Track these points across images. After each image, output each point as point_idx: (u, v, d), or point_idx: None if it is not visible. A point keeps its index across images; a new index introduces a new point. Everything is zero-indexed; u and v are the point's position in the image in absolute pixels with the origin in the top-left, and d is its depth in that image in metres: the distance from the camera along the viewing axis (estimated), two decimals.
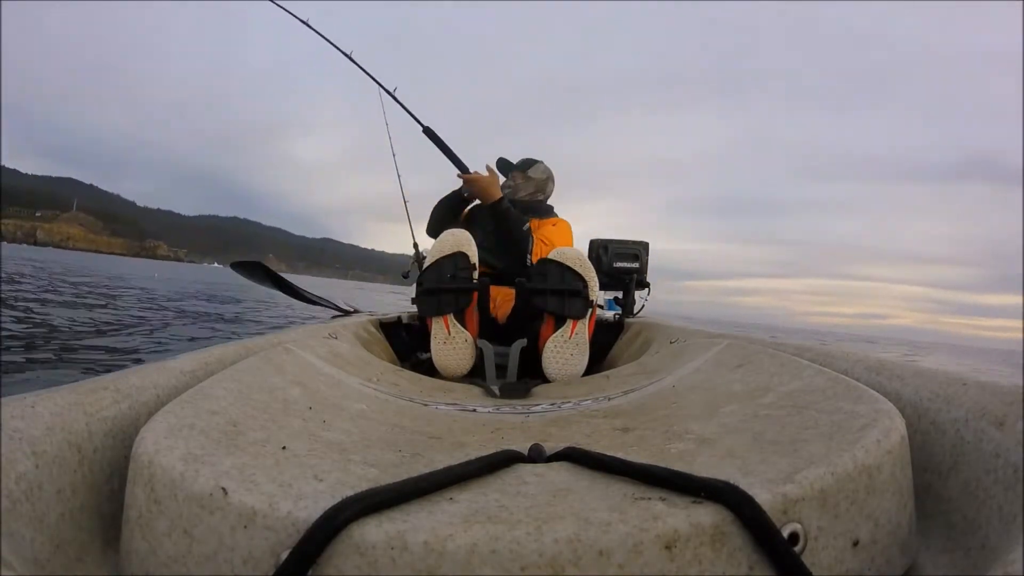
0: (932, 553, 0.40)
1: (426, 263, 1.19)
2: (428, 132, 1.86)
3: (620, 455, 0.38)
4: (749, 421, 0.47)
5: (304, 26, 1.96)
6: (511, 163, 1.90)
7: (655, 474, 0.34)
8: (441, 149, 1.81)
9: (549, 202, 1.93)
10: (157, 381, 0.55)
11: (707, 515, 0.30)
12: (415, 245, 2.28)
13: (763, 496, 0.31)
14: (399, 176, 2.50)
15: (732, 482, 0.32)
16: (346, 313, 1.94)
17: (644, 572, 0.28)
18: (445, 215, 1.77)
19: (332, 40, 1.96)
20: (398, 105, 1.92)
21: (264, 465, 0.37)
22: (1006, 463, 0.38)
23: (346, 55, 1.95)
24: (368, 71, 1.96)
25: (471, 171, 1.71)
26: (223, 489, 0.32)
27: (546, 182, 1.89)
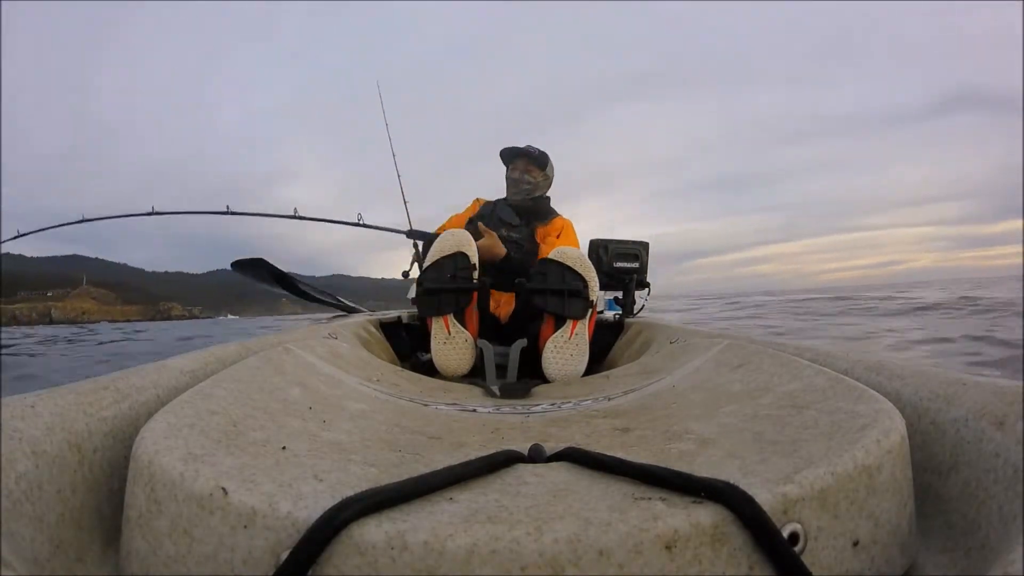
0: (932, 553, 0.40)
1: (426, 263, 1.19)
2: (412, 235, 1.81)
3: (620, 455, 0.38)
4: (749, 421, 0.47)
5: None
6: (520, 149, 1.74)
7: (655, 474, 0.34)
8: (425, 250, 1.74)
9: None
10: (157, 381, 0.55)
11: (707, 515, 0.30)
12: (415, 245, 2.29)
13: (763, 496, 0.31)
14: (399, 177, 2.52)
15: (732, 482, 0.32)
16: (349, 311, 1.93)
17: (644, 572, 0.28)
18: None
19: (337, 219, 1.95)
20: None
21: (264, 465, 0.37)
22: (1006, 463, 0.38)
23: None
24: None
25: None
26: (223, 489, 0.32)
27: (552, 181, 1.81)
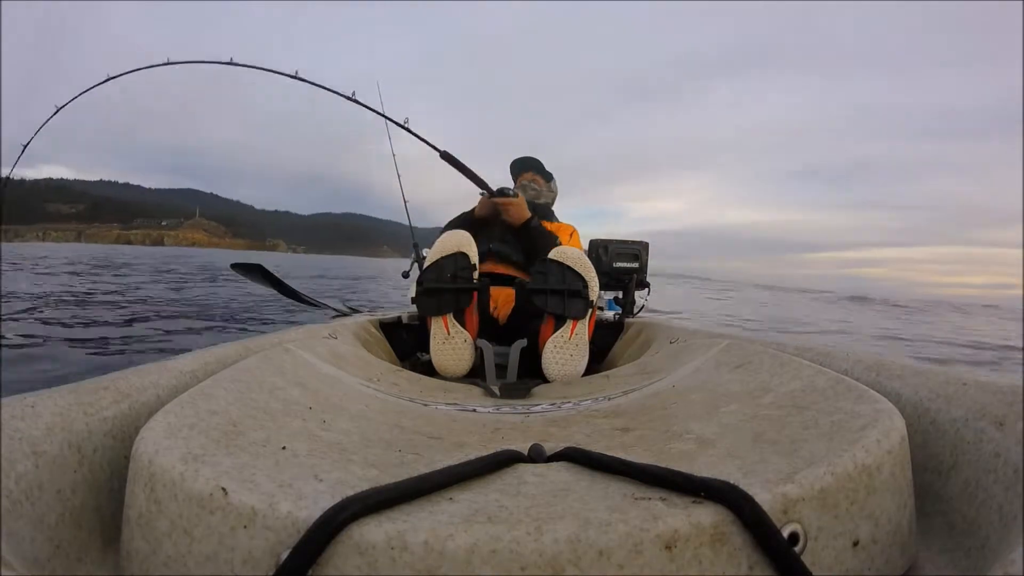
0: (932, 553, 0.40)
1: (426, 263, 1.19)
2: (446, 156, 1.84)
3: (620, 455, 0.38)
4: (749, 421, 0.47)
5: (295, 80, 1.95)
6: (530, 161, 1.92)
7: (655, 474, 0.34)
8: (462, 172, 1.79)
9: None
10: (157, 381, 0.55)
11: (707, 515, 0.30)
12: (415, 245, 2.29)
13: (763, 496, 0.31)
14: (399, 176, 2.52)
15: (732, 482, 0.32)
16: (345, 314, 1.93)
17: (644, 572, 0.28)
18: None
19: (328, 86, 1.92)
20: (411, 135, 1.90)
21: (264, 465, 0.37)
22: (1006, 463, 0.38)
23: (347, 97, 1.93)
24: (375, 106, 1.91)
25: (494, 190, 1.72)
26: (223, 489, 0.32)
27: (556, 196, 2.00)
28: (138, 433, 0.38)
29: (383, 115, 1.95)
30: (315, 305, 1.93)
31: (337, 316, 1.67)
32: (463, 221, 1.74)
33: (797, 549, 0.31)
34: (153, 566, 0.32)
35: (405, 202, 2.45)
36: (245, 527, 0.31)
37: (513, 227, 1.70)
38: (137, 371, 0.55)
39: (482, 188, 1.74)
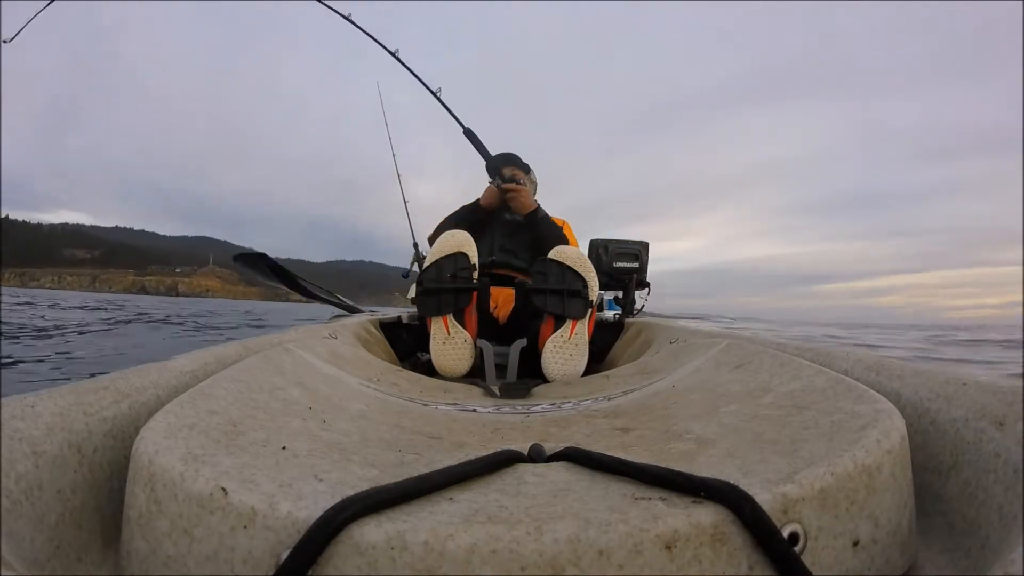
0: (932, 553, 0.40)
1: (426, 263, 1.19)
2: (468, 134, 1.86)
3: (620, 455, 0.38)
4: (749, 421, 0.47)
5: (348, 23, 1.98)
6: (510, 157, 1.94)
7: (655, 474, 0.34)
8: (481, 153, 1.82)
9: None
10: (157, 381, 0.55)
11: (707, 515, 0.30)
12: (415, 245, 2.29)
13: (763, 496, 0.31)
14: (399, 176, 2.52)
15: (732, 482, 0.32)
16: (349, 310, 1.93)
17: (644, 572, 0.28)
18: (459, 225, 1.80)
19: (377, 38, 1.99)
20: (443, 106, 1.94)
21: (264, 465, 0.37)
22: (1006, 463, 0.38)
23: (391, 52, 1.97)
24: (415, 71, 2.01)
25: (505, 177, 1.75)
26: (223, 489, 0.32)
27: (536, 186, 1.99)
28: (138, 433, 0.38)
29: (420, 80, 1.98)
30: (321, 299, 1.89)
31: (337, 316, 1.66)
32: (467, 213, 1.76)
33: (797, 549, 0.31)
34: (153, 566, 0.32)
35: (405, 202, 2.46)
36: (245, 527, 0.31)
37: (517, 221, 1.71)
38: (137, 371, 0.55)
39: (492, 176, 1.76)
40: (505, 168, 1.91)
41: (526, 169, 1.95)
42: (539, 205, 1.71)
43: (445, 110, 1.95)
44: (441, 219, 1.76)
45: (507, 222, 1.76)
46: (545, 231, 1.68)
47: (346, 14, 2.03)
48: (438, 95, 1.98)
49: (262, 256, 1.56)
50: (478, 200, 1.77)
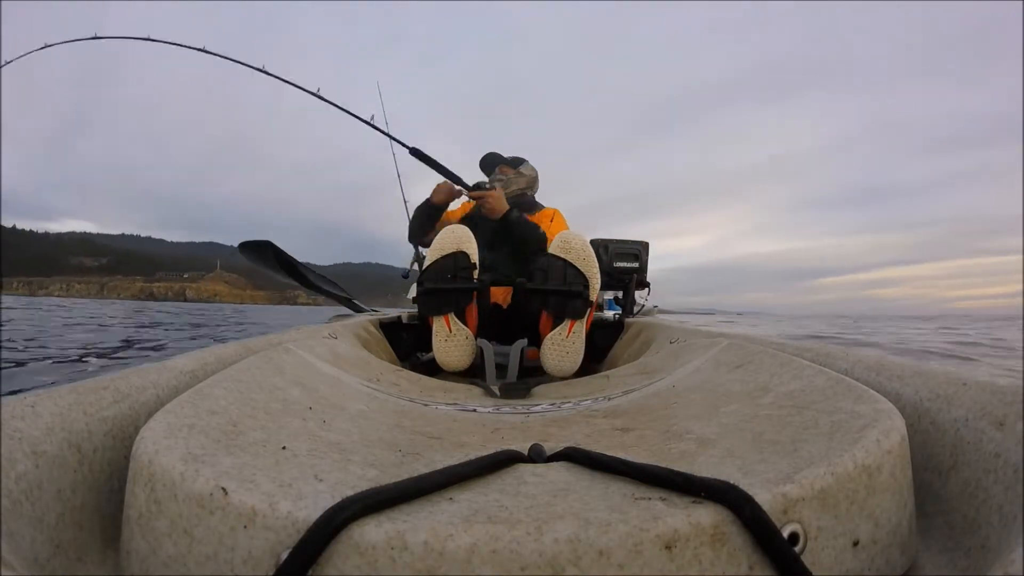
0: (932, 553, 0.40)
1: (426, 262, 1.19)
2: (416, 153, 1.88)
3: (620, 455, 0.38)
4: (749, 421, 0.47)
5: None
6: (501, 157, 1.95)
7: (655, 474, 0.34)
8: (434, 168, 1.82)
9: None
10: (157, 381, 0.55)
11: (707, 515, 0.30)
12: (415, 246, 2.29)
13: (763, 496, 0.31)
14: (399, 176, 2.53)
15: (732, 482, 0.32)
16: (353, 308, 1.92)
17: (644, 572, 0.28)
18: (423, 224, 1.82)
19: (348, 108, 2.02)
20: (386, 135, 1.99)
21: (264, 465, 0.37)
22: (1006, 463, 0.38)
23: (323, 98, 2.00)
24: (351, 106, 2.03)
25: (470, 185, 1.75)
26: (223, 489, 0.32)
27: (535, 180, 1.97)
28: (138, 433, 0.38)
29: (349, 112, 2.00)
30: (327, 293, 1.86)
31: (338, 316, 1.66)
32: (423, 211, 1.78)
33: (797, 549, 0.31)
34: (153, 566, 0.32)
35: (405, 202, 2.46)
36: (245, 527, 0.31)
37: (497, 224, 1.70)
38: (137, 371, 0.55)
39: (457, 184, 1.77)
40: (504, 168, 1.92)
41: (514, 164, 1.94)
42: (512, 207, 1.68)
43: (387, 136, 1.99)
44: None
45: (489, 228, 1.75)
46: (519, 234, 1.65)
47: (260, 66, 2.04)
48: (371, 122, 2.01)
49: (267, 244, 1.49)
50: (428, 198, 1.77)
